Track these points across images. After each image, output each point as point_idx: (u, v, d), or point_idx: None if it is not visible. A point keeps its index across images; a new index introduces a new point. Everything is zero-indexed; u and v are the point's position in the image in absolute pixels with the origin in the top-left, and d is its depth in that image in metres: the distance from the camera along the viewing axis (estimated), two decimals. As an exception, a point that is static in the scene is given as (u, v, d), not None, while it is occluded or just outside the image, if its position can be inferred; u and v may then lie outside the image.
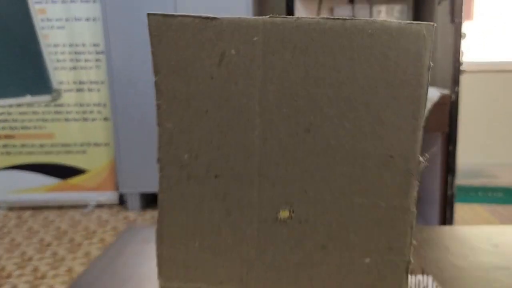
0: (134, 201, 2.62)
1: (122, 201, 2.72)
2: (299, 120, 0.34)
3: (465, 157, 3.03)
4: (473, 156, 3.07)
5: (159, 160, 0.35)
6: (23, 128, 2.65)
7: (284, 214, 0.36)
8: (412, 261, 0.36)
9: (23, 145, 2.66)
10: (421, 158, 0.34)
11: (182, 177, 0.36)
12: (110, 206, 2.70)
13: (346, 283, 0.36)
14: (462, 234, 0.77)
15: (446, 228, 0.80)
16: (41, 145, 2.66)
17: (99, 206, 2.69)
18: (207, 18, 0.33)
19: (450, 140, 1.67)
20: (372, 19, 0.32)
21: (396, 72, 0.33)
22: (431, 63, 0.32)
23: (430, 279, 0.54)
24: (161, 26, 0.33)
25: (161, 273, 0.37)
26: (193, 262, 0.37)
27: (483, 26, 2.96)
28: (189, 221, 0.36)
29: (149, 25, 0.33)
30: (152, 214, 2.54)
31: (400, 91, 0.33)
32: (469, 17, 2.89)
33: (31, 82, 1.62)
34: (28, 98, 1.63)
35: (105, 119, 2.64)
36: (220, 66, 0.34)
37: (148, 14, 0.32)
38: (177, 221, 0.36)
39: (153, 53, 0.33)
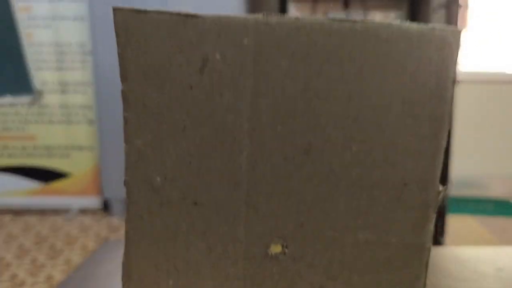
0: (118, 207, 2.54)
1: (106, 207, 2.64)
2: (296, 141, 0.28)
3: (457, 167, 3.00)
4: (465, 166, 3.04)
5: (126, 183, 0.29)
6: (4, 129, 2.56)
7: (275, 249, 0.30)
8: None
9: (4, 147, 2.58)
10: (440, 187, 0.29)
11: (153, 204, 0.30)
12: (93, 211, 2.62)
13: (348, 333, 0.31)
14: (464, 256, 0.73)
15: (446, 249, 0.75)
16: (23, 148, 2.58)
17: (82, 211, 2.61)
18: (187, 15, 0.27)
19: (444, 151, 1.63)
20: (387, 22, 0.26)
21: (415, 85, 0.27)
22: (457, 76, 0.27)
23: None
24: (130, 24, 0.27)
25: (127, 318, 0.31)
26: (165, 305, 0.31)
27: (478, 35, 2.93)
28: (162, 257, 0.30)
29: (115, 21, 0.27)
30: (136, 221, 2.47)
31: (419, 109, 0.27)
32: (464, 25, 2.87)
33: (12, 82, 1.55)
34: (8, 99, 1.56)
35: (90, 122, 2.57)
36: (202, 73, 0.28)
37: (114, 9, 0.26)
38: (147, 256, 0.30)
39: (120, 55, 0.27)
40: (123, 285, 0.31)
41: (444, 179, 1.64)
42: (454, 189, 2.90)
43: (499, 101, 2.98)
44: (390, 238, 0.29)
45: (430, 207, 0.29)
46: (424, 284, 0.30)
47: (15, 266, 1.93)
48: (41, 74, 2.48)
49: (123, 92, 0.28)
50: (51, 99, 2.54)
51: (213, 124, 0.29)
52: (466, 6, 2.52)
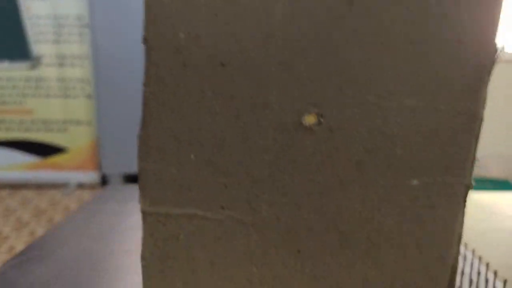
0: (116, 182, 2.51)
1: (104, 182, 2.61)
2: (337, -13, 0.25)
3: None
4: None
5: (145, 40, 0.26)
6: (1, 103, 2.52)
7: (310, 119, 0.27)
8: (474, 184, 0.28)
9: (1, 121, 2.53)
10: (498, 45, 0.26)
11: (176, 65, 0.26)
12: (91, 186, 2.59)
13: (385, 211, 0.28)
14: (480, 200, 0.72)
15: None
16: (21, 122, 2.54)
17: (80, 186, 2.58)
18: None
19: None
20: None
21: None
22: None
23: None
24: None
25: (144, 195, 0.28)
26: (186, 180, 0.28)
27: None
28: (184, 126, 0.27)
29: None
30: (135, 196, 2.44)
31: None
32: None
33: (10, 48, 1.52)
34: (6, 65, 1.52)
35: (88, 96, 2.52)
36: None
37: None
38: (167, 125, 0.27)
39: None
40: (140, 160, 0.28)
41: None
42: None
43: (497, 81, 2.94)
44: (439, 104, 0.26)
45: (486, 70, 0.26)
46: (474, 161, 0.28)
47: (13, 238, 1.90)
48: (39, 47, 2.43)
49: None
50: (49, 72, 2.48)
51: (244, -30, 0.25)
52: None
